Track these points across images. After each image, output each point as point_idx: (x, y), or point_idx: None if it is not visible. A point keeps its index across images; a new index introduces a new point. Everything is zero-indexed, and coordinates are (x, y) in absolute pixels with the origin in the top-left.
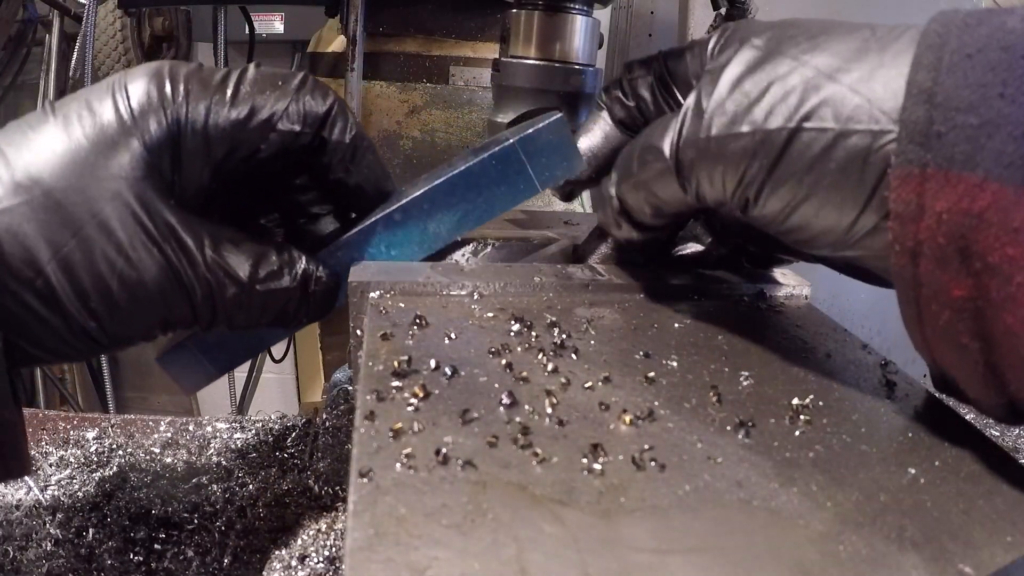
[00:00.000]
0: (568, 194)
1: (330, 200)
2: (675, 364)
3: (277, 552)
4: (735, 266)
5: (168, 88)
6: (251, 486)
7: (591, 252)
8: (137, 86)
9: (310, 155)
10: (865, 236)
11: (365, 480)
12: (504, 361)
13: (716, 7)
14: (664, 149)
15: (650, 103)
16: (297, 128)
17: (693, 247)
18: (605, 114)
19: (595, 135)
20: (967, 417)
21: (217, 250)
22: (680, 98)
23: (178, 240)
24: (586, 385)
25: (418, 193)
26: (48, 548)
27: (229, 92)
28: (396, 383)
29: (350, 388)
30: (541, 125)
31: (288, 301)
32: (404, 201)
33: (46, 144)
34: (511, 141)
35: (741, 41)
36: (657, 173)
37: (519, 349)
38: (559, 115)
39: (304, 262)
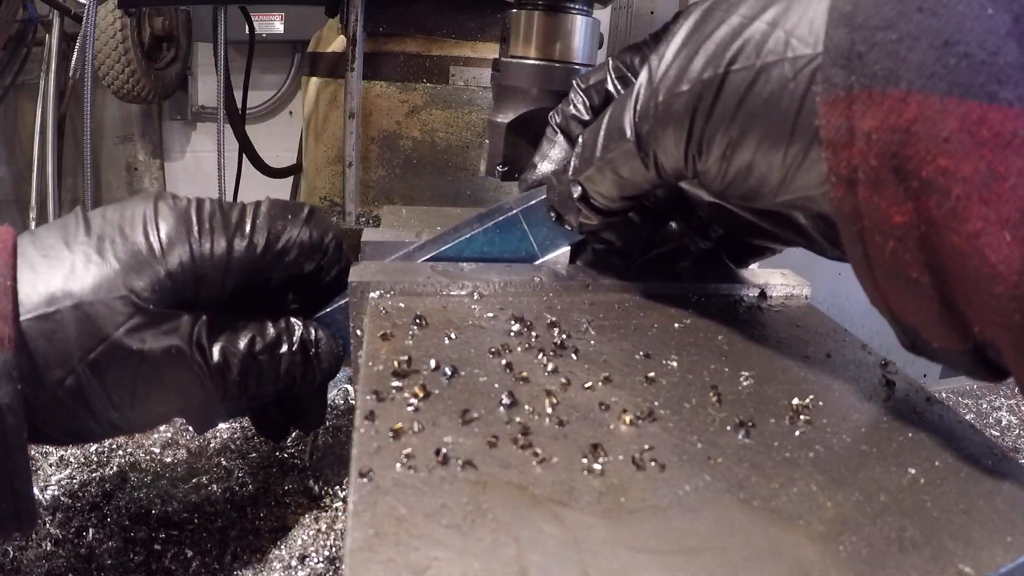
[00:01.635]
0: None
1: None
2: (675, 364)
3: (277, 552)
4: (715, 261)
5: (195, 227)
6: (251, 486)
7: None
8: (166, 222)
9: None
10: (800, 171)
11: (365, 480)
12: (504, 361)
13: None
14: (625, 127)
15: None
16: (303, 258)
17: (673, 243)
18: (561, 138)
19: (556, 161)
20: (967, 417)
21: (221, 337)
22: None
23: (189, 341)
24: (586, 385)
25: (425, 258)
26: (48, 548)
27: (247, 227)
28: (396, 383)
29: (350, 388)
30: (543, 197)
31: (292, 366)
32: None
33: (80, 261)
34: (515, 211)
35: (687, 12)
36: (621, 153)
37: (519, 349)
38: None
39: (301, 328)
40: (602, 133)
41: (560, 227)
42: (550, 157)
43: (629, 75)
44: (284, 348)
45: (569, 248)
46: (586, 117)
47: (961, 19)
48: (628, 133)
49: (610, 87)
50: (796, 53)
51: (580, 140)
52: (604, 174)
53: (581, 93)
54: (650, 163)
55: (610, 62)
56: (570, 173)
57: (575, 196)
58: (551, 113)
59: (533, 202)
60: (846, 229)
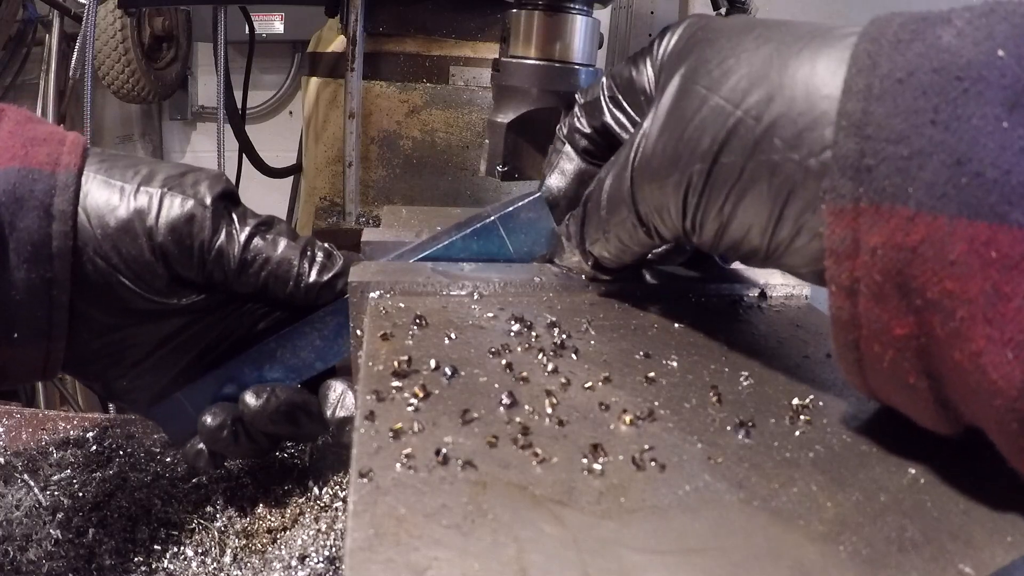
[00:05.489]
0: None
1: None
2: (675, 364)
3: (277, 552)
4: (706, 262)
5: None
6: (251, 486)
7: (562, 259)
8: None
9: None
10: (786, 254)
11: (365, 480)
12: (504, 361)
13: (716, 7)
14: (624, 202)
15: (610, 124)
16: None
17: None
18: (568, 148)
19: (563, 171)
20: None
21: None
22: (631, 112)
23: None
24: (586, 385)
25: (405, 262)
26: (48, 548)
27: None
28: (396, 383)
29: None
30: (521, 204)
31: (290, 257)
32: None
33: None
34: (492, 218)
35: (670, 74)
36: (625, 226)
37: (519, 349)
38: (538, 194)
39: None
40: (604, 203)
41: (536, 235)
42: (559, 168)
43: (620, 96)
44: (287, 240)
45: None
46: (588, 131)
47: (975, 134)
48: (628, 208)
49: (604, 110)
50: (781, 156)
51: (582, 209)
52: (611, 242)
53: (581, 109)
54: (652, 233)
55: (604, 80)
56: (577, 242)
57: (589, 264)
58: (557, 127)
59: (511, 208)
60: (841, 335)
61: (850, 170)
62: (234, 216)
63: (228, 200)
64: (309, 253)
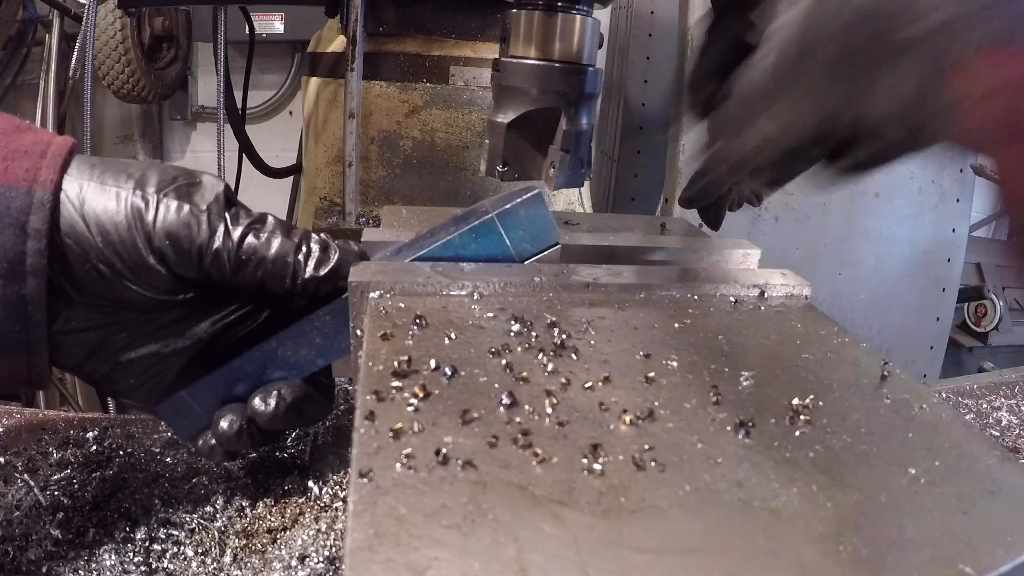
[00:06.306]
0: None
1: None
2: (675, 364)
3: (277, 552)
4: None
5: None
6: (251, 486)
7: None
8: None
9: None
10: (930, 119)
11: (365, 480)
12: (504, 361)
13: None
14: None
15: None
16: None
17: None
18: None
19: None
20: (967, 417)
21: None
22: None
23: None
24: (586, 385)
25: (404, 262)
26: (48, 548)
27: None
28: (396, 383)
29: (350, 388)
30: (519, 200)
31: (285, 254)
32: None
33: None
34: (491, 215)
35: None
36: (774, 117)
37: (519, 349)
38: (537, 191)
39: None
40: (744, 96)
41: (535, 232)
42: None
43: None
44: (281, 237)
45: (550, 250)
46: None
47: None
48: (770, 97)
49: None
50: (911, 30)
51: (719, 112)
52: (749, 137)
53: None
54: (789, 125)
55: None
56: (706, 144)
57: (682, 198)
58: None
59: (509, 205)
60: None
61: (959, 24)
62: (227, 216)
63: (223, 201)
64: (304, 248)
